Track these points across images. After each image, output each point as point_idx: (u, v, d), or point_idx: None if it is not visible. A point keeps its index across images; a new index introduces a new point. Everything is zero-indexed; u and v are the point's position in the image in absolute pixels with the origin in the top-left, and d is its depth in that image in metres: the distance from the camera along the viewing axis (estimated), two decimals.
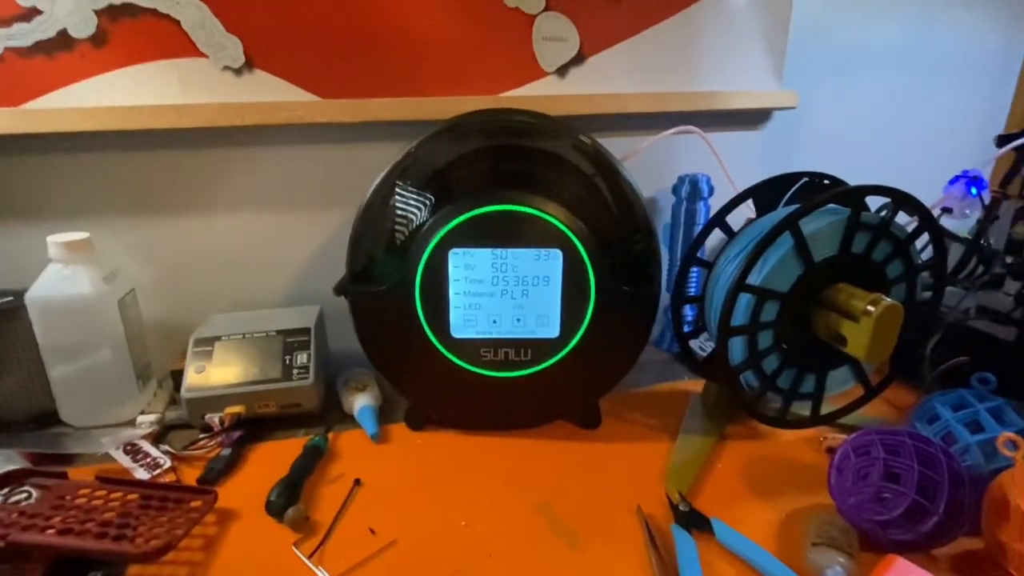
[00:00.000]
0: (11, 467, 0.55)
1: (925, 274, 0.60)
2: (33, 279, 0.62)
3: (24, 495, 0.52)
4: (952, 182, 0.65)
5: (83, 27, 0.62)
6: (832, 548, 0.47)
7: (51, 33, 0.62)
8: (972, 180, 0.64)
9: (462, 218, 0.56)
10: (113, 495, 0.53)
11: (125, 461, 0.59)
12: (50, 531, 0.46)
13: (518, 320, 0.60)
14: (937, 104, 0.95)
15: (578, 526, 0.52)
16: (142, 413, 0.67)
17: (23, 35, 0.61)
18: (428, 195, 0.58)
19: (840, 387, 0.63)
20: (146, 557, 0.45)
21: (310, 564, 0.48)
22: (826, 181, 0.62)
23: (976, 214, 0.66)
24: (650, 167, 0.85)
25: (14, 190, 0.68)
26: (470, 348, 0.60)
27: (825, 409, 0.63)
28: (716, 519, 0.52)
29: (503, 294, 0.59)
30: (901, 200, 0.55)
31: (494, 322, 0.60)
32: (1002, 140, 0.66)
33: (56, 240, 0.62)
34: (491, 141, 0.60)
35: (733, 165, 0.79)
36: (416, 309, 0.59)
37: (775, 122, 0.90)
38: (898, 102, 0.94)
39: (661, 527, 0.52)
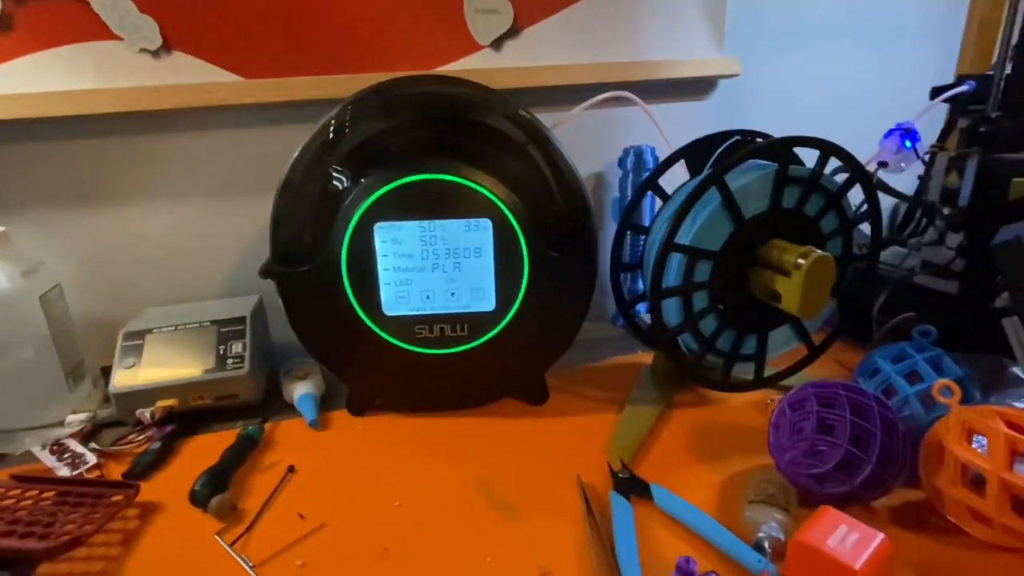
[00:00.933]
0: None
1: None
2: None
3: None
4: (887, 136, 0.65)
5: None
6: (769, 505, 0.46)
7: None
8: (905, 132, 0.63)
9: (385, 189, 0.54)
10: (28, 493, 0.50)
11: (48, 460, 0.57)
12: None
13: (452, 294, 0.59)
14: (882, 67, 0.95)
15: (516, 500, 0.51)
16: (72, 412, 0.64)
17: None
18: (350, 168, 0.56)
19: (783, 347, 0.62)
20: (50, 553, 0.43)
21: (231, 552, 0.46)
22: (759, 139, 0.61)
23: (912, 167, 0.66)
24: (595, 140, 0.84)
25: None
26: (404, 326, 0.59)
27: (771, 372, 0.62)
28: (655, 484, 0.51)
29: (434, 268, 0.58)
30: (829, 151, 0.54)
31: (427, 298, 0.58)
32: (935, 92, 0.65)
33: None
34: (418, 112, 0.59)
35: (680, 135, 0.77)
36: (344, 288, 0.57)
37: (721, 91, 0.89)
38: (843, 66, 0.93)
39: (601, 496, 0.51)
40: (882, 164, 0.64)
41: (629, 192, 0.80)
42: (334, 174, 0.56)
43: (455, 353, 0.60)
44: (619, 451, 0.56)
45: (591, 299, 0.62)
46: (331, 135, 0.56)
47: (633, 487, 0.51)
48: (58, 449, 0.59)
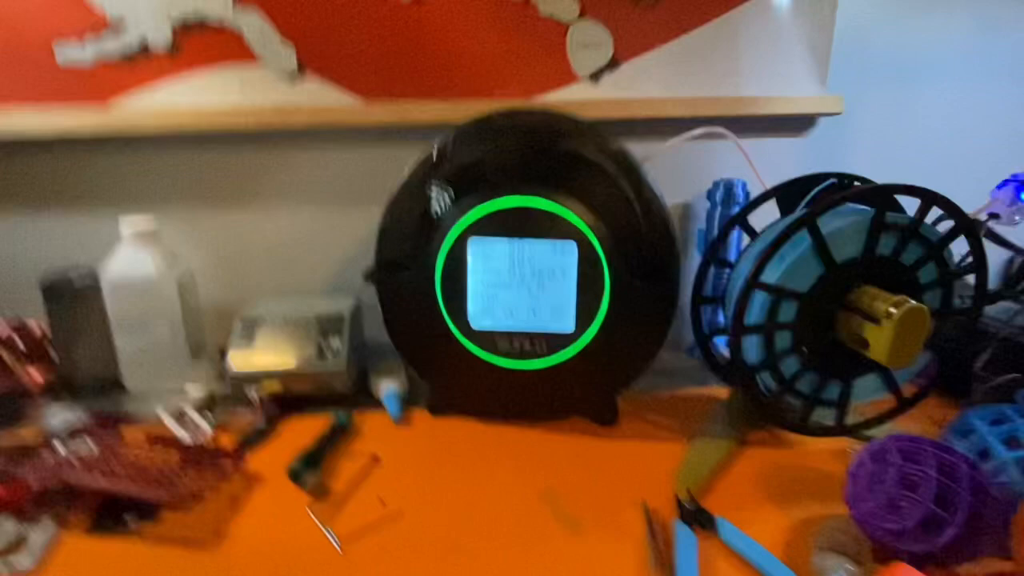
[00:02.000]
0: (76, 422, 0.62)
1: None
2: (103, 258, 0.70)
3: (84, 446, 0.58)
4: (1000, 186, 0.62)
5: (160, 37, 0.70)
6: (839, 554, 0.45)
7: (133, 42, 0.70)
8: (1021, 184, 0.60)
9: (481, 209, 0.59)
10: (158, 452, 0.58)
11: (172, 425, 0.65)
12: (99, 476, 0.52)
13: (534, 312, 0.62)
14: (994, 112, 0.90)
15: (581, 515, 0.53)
16: (191, 385, 0.73)
17: (110, 44, 0.70)
18: (452, 189, 0.61)
19: (870, 396, 0.60)
20: (175, 502, 0.50)
21: (320, 525, 0.51)
22: (856, 183, 0.60)
23: None
24: (686, 172, 0.85)
25: (93, 178, 0.77)
26: (487, 338, 0.63)
27: (854, 420, 0.60)
28: (722, 518, 0.51)
29: (520, 285, 0.61)
30: (931, 200, 0.52)
31: (511, 313, 0.62)
32: None
33: (128, 224, 0.70)
34: (516, 139, 0.63)
35: (776, 172, 0.77)
36: (437, 297, 0.62)
37: (821, 128, 0.88)
38: (953, 109, 0.89)
39: (665, 523, 0.52)
40: (993, 216, 0.61)
41: (716, 225, 0.80)
42: (438, 193, 0.61)
43: (532, 369, 0.63)
44: (687, 481, 0.56)
45: (669, 328, 0.63)
46: (437, 158, 0.62)
47: (699, 519, 0.51)
48: (179, 416, 0.67)
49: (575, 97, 0.79)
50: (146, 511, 0.52)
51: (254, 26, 0.71)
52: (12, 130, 0.71)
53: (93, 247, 0.74)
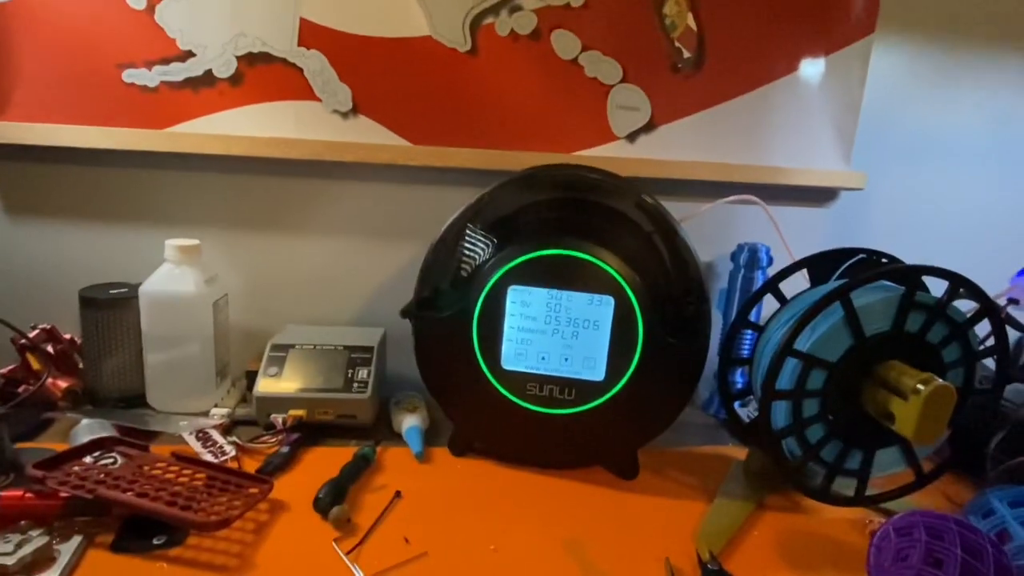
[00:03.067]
0: (104, 435, 0.62)
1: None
2: (144, 275, 0.71)
3: (111, 460, 0.59)
4: (1020, 273, 0.64)
5: (225, 69, 0.74)
6: None
7: (199, 72, 0.74)
8: None
9: (524, 258, 0.61)
10: (184, 471, 0.58)
11: (196, 445, 0.66)
12: (129, 493, 0.52)
13: (566, 359, 0.63)
14: (1011, 196, 0.94)
15: (605, 568, 0.53)
16: (216, 406, 0.74)
17: (177, 72, 0.74)
18: (495, 236, 0.63)
19: (889, 468, 0.61)
20: (205, 527, 0.50)
21: (347, 560, 0.51)
22: (884, 259, 0.63)
23: None
24: (712, 232, 0.88)
25: (142, 198, 0.79)
26: (518, 381, 0.64)
27: (874, 492, 0.61)
28: None
29: (554, 333, 0.63)
30: (959, 283, 0.55)
31: (543, 358, 0.63)
32: None
33: (172, 243, 0.71)
34: (558, 192, 0.66)
35: (798, 239, 0.80)
36: (472, 338, 0.63)
37: (843, 201, 0.91)
38: (971, 191, 0.93)
39: None
40: (1012, 301, 0.64)
41: (738, 287, 0.83)
42: (480, 240, 0.63)
43: (559, 415, 0.64)
44: (708, 541, 0.56)
45: (696, 386, 0.64)
46: (482, 206, 0.64)
47: None
48: (203, 437, 0.68)
49: (611, 155, 0.82)
50: (173, 532, 0.52)
51: (315, 65, 0.75)
52: (66, 143, 0.74)
53: (135, 262, 0.76)
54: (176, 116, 0.74)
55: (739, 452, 0.74)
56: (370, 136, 0.77)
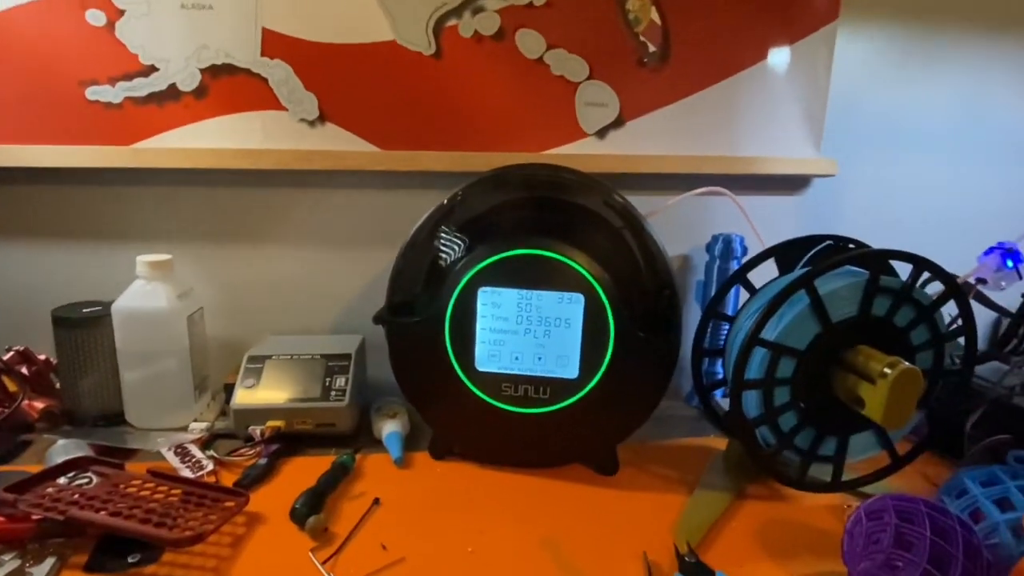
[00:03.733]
0: (79, 455, 0.62)
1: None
2: (118, 293, 0.71)
3: (86, 480, 0.58)
4: (986, 253, 0.65)
5: (189, 82, 0.74)
6: None
7: (163, 86, 0.73)
8: (1007, 252, 0.63)
9: (492, 259, 0.61)
10: (160, 488, 0.58)
11: (174, 461, 0.65)
12: (103, 512, 0.52)
13: (539, 359, 0.63)
14: (982, 182, 0.94)
15: (582, 565, 0.53)
16: (195, 420, 0.73)
17: (141, 87, 0.73)
18: (465, 237, 0.63)
19: (865, 453, 0.61)
20: (178, 543, 0.50)
21: (323, 570, 0.51)
22: (851, 245, 0.63)
23: (1013, 286, 0.65)
24: (685, 225, 0.88)
25: (111, 215, 0.79)
26: (492, 382, 0.64)
27: (850, 477, 0.62)
28: (721, 573, 0.51)
29: (526, 332, 0.63)
30: (923, 266, 0.55)
31: (516, 359, 0.63)
32: None
33: (143, 259, 0.71)
34: (526, 192, 0.66)
35: (770, 228, 0.80)
36: (445, 341, 0.63)
37: (814, 189, 0.92)
38: (942, 177, 0.93)
39: (666, 575, 0.52)
40: (980, 280, 0.64)
41: (715, 277, 0.83)
42: (450, 242, 0.63)
43: (535, 414, 0.64)
44: (686, 534, 0.57)
45: (670, 379, 0.65)
46: (450, 208, 0.64)
47: (698, 573, 0.52)
48: (181, 452, 0.67)
49: (581, 152, 0.82)
50: (148, 550, 0.52)
51: (280, 75, 0.75)
52: (31, 164, 0.73)
53: (108, 280, 0.76)
54: (142, 131, 0.74)
55: (721, 443, 0.74)
56: (338, 143, 0.77)
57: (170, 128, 0.75)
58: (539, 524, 0.58)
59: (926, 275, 0.57)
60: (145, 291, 0.71)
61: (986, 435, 0.65)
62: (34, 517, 0.51)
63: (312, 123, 0.77)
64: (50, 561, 0.49)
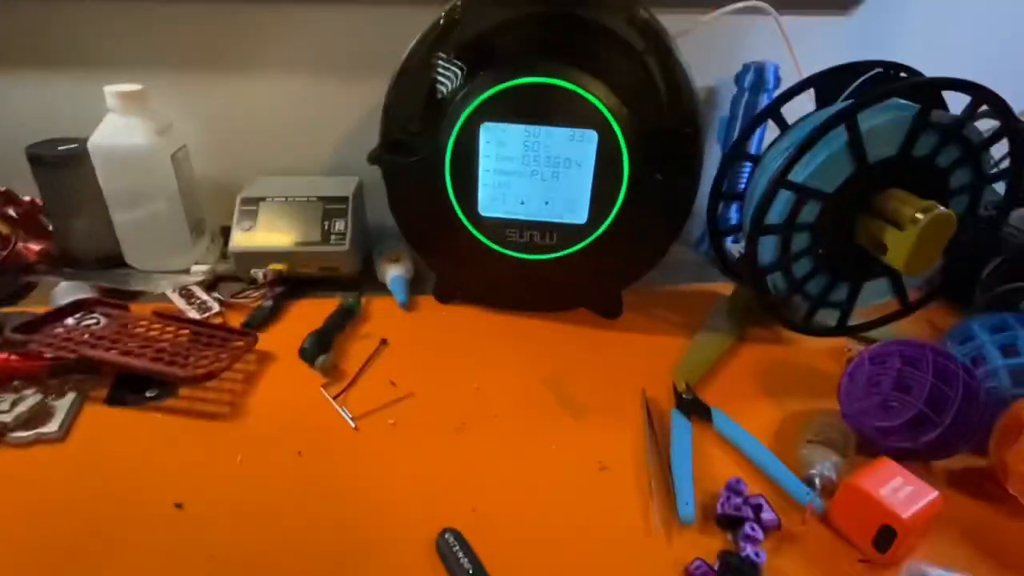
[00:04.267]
0: (84, 296, 0.61)
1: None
2: (91, 128, 0.65)
3: (94, 320, 0.59)
4: None
5: None
6: (826, 447, 0.48)
7: None
8: None
9: (495, 89, 0.54)
10: (168, 328, 0.59)
11: (180, 302, 0.65)
12: (114, 351, 0.53)
13: (546, 203, 0.60)
14: None
15: (582, 401, 0.55)
16: (196, 263, 0.72)
17: None
18: (463, 63, 0.56)
19: (875, 299, 0.60)
20: (192, 380, 0.51)
21: (335, 404, 0.53)
22: (903, 74, 0.55)
23: None
24: (714, 51, 0.78)
25: (75, 39, 0.70)
26: (496, 228, 0.61)
27: (855, 322, 0.61)
28: (717, 409, 0.53)
29: (533, 174, 0.58)
30: (983, 98, 0.49)
31: (521, 203, 0.60)
32: None
33: (113, 90, 0.64)
34: (534, 7, 0.56)
35: (811, 54, 0.70)
36: (446, 184, 0.59)
37: (868, 7, 0.79)
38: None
39: (663, 412, 0.54)
40: None
41: (741, 113, 0.76)
42: (446, 68, 0.56)
43: (541, 260, 0.62)
44: (685, 373, 0.58)
45: (683, 225, 0.61)
46: (446, 27, 0.56)
47: (695, 409, 0.54)
48: (187, 294, 0.67)
49: None
50: (164, 386, 0.54)
51: None
52: None
53: (81, 113, 0.69)
54: None
55: (727, 288, 0.73)
56: None
57: None
58: (542, 364, 0.60)
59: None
60: (118, 126, 0.65)
61: (1001, 284, 0.63)
62: (47, 357, 0.52)
63: None
64: (71, 396, 0.51)
